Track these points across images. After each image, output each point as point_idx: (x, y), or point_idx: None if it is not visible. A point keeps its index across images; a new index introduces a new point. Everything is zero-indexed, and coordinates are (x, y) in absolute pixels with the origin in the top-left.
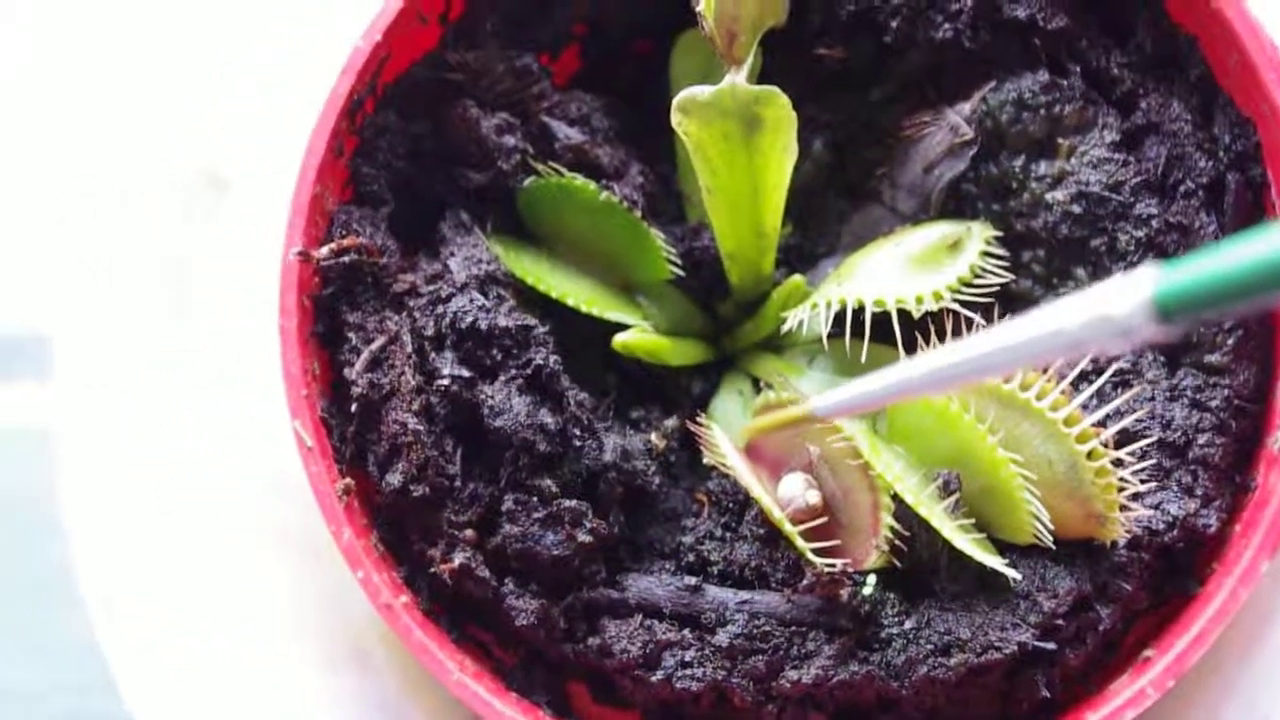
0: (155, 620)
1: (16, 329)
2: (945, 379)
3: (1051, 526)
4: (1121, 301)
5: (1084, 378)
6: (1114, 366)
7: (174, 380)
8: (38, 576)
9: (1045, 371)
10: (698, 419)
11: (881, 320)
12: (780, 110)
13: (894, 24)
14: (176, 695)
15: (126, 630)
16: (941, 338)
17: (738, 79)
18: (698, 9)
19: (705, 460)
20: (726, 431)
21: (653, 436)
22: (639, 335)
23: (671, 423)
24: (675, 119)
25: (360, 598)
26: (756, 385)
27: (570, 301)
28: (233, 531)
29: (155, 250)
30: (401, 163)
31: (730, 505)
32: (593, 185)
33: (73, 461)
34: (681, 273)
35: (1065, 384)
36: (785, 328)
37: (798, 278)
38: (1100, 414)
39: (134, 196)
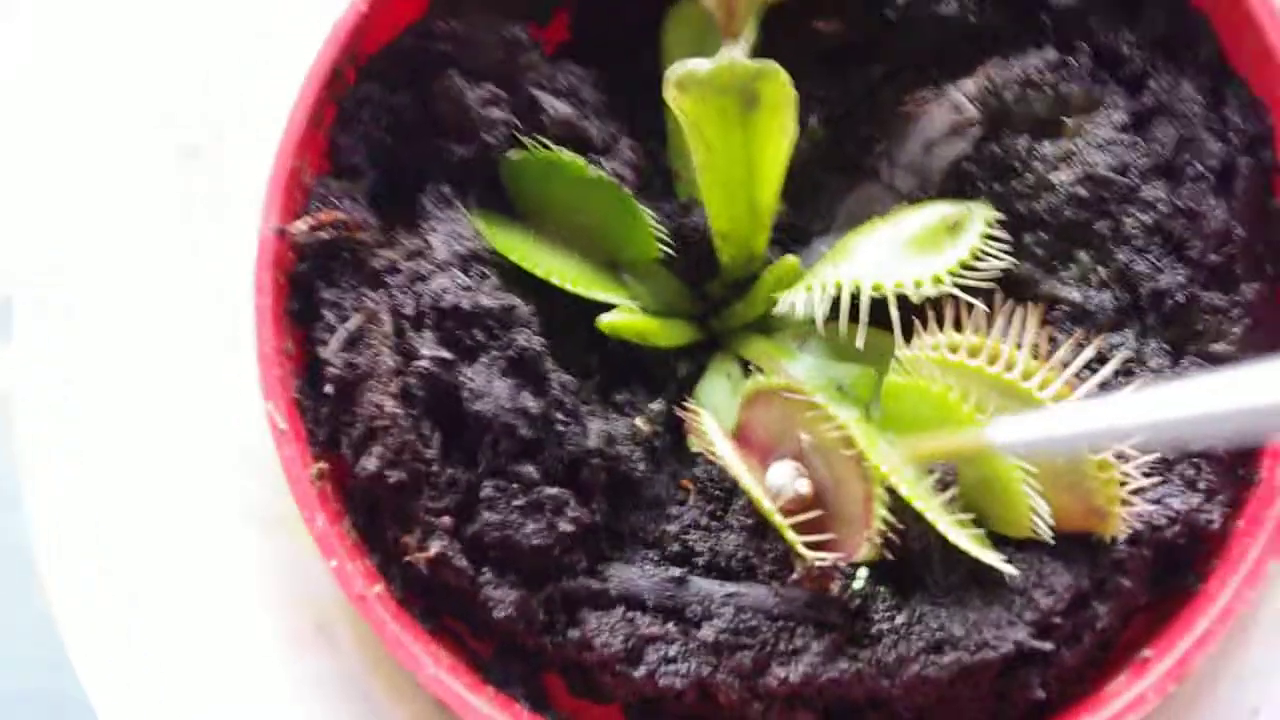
0: (111, 594)
1: None
2: (1162, 431)
3: (1051, 520)
4: None
5: (1086, 367)
6: (1118, 357)
7: (138, 349)
8: None
9: (1047, 360)
10: (684, 402)
11: (877, 303)
12: (780, 88)
13: None
14: (132, 672)
15: (82, 604)
16: (940, 324)
17: (736, 54)
18: None
19: (692, 446)
20: (714, 415)
21: (638, 421)
22: (625, 315)
23: (657, 406)
24: (670, 94)
25: (324, 574)
26: (745, 368)
27: (555, 280)
28: (194, 505)
29: (128, 215)
30: (382, 134)
31: (717, 493)
32: (581, 160)
33: (30, 428)
34: (671, 251)
35: (1069, 374)
36: (778, 310)
37: (791, 258)
38: None
39: (110, 163)
